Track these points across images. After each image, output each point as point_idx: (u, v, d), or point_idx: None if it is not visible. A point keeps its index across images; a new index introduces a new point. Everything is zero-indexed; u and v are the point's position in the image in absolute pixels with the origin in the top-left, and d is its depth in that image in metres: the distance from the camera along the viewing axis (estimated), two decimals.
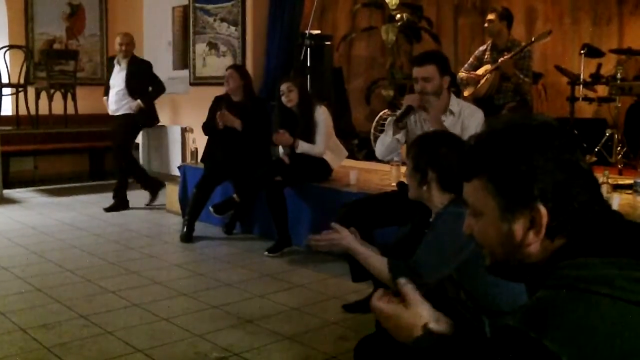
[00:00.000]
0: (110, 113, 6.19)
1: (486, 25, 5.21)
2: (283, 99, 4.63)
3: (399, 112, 3.54)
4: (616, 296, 0.90)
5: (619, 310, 0.89)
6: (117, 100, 6.08)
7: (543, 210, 1.00)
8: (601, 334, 0.87)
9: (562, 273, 0.96)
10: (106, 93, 6.25)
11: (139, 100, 6.04)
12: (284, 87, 4.63)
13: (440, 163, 2.12)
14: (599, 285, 0.91)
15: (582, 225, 1.00)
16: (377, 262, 2.19)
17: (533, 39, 5.20)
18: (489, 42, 5.29)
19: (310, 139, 4.59)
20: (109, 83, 6.21)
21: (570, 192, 1.01)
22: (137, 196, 6.80)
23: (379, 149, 3.60)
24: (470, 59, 5.34)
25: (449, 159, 2.10)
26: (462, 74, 5.18)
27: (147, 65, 6.24)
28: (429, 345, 1.16)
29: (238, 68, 5.34)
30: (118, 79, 6.09)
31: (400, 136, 3.44)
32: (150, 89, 6.19)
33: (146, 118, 6.25)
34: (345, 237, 2.22)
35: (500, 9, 5.32)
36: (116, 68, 6.14)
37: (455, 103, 3.37)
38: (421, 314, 1.20)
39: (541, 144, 1.02)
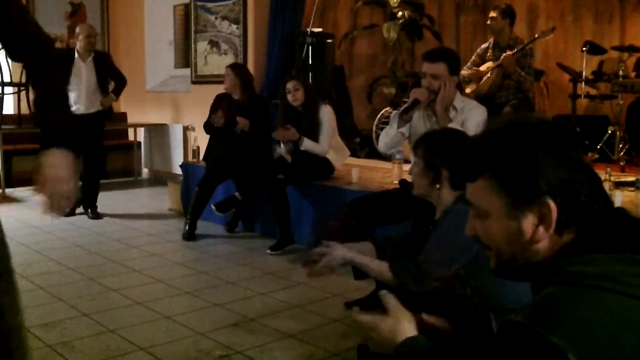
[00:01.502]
0: (80, 112, 5.56)
1: (488, 22, 5.21)
2: (289, 97, 4.62)
3: (405, 104, 3.53)
4: (622, 292, 0.90)
5: (625, 305, 0.89)
6: (87, 98, 5.62)
7: (552, 204, 1.00)
8: (607, 329, 0.87)
9: (568, 269, 0.97)
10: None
11: (112, 95, 5.78)
12: (289, 85, 4.62)
13: (454, 162, 2.11)
14: (604, 281, 0.91)
15: (589, 219, 1.01)
16: (376, 266, 2.18)
17: (536, 36, 5.20)
18: (491, 39, 5.29)
19: (314, 137, 4.59)
20: (65, 80, 5.36)
21: (576, 186, 1.01)
22: (139, 194, 6.82)
23: (383, 141, 3.59)
24: (473, 56, 5.34)
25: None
26: (464, 72, 5.17)
27: (109, 57, 6.03)
28: (421, 349, 1.20)
29: (235, 67, 5.32)
30: (86, 74, 5.62)
31: (405, 129, 3.44)
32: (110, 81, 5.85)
33: (110, 113, 5.99)
34: (337, 251, 2.20)
35: (503, 6, 5.31)
36: (79, 63, 5.59)
37: (459, 100, 3.39)
38: (400, 318, 1.25)
39: (544, 141, 1.02)
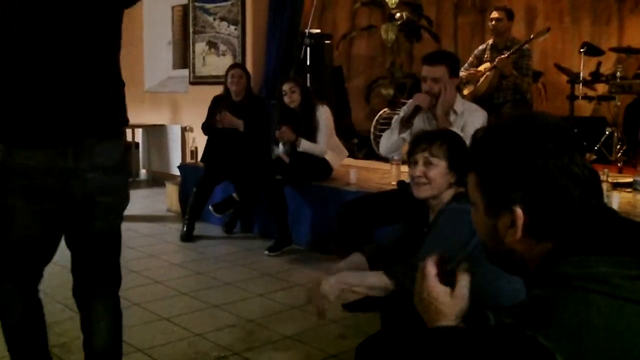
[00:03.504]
0: None
1: (494, 23, 5.11)
2: (285, 99, 4.63)
3: (405, 111, 3.51)
4: (611, 293, 0.90)
5: (614, 307, 0.89)
6: None
7: (519, 212, 1.01)
8: (596, 331, 0.87)
9: (557, 271, 0.97)
10: None
11: None
12: (286, 87, 4.63)
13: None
14: (594, 282, 0.91)
15: (568, 227, 1.00)
16: (373, 278, 2.07)
17: (531, 37, 5.19)
18: (489, 41, 5.29)
19: (312, 138, 4.59)
20: None
21: (552, 197, 1.00)
22: (137, 195, 6.81)
23: (384, 145, 3.59)
24: (470, 58, 5.34)
25: None
26: (461, 73, 5.16)
27: None
28: (446, 338, 1.16)
29: (243, 68, 5.35)
30: None
31: (406, 135, 3.43)
32: None
33: None
34: (325, 283, 2.01)
35: (507, 7, 5.28)
36: None
37: (460, 103, 3.37)
38: (460, 307, 1.21)
39: (528, 150, 1.01)
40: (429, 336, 1.20)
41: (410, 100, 3.71)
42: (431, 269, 1.25)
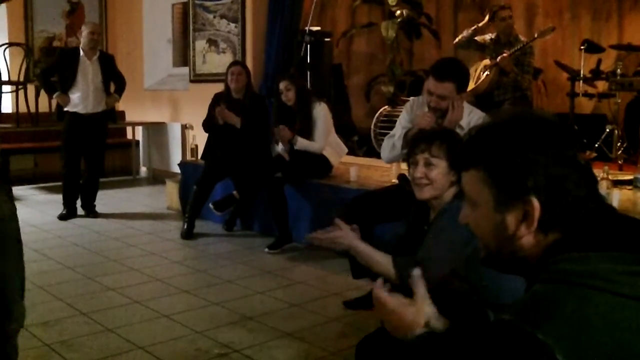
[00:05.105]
0: (86, 112, 5.53)
1: (508, 21, 5.17)
2: (282, 97, 4.63)
3: (407, 125, 3.43)
4: (610, 290, 0.90)
5: (613, 303, 0.89)
6: (94, 97, 5.55)
7: (536, 203, 1.01)
8: (595, 327, 0.87)
9: (556, 267, 0.97)
10: (63, 90, 5.49)
11: (116, 95, 5.73)
12: (281, 85, 4.63)
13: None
14: (593, 279, 0.92)
15: (575, 220, 1.01)
16: (381, 259, 2.11)
17: (535, 36, 5.19)
18: (491, 35, 5.28)
19: (308, 136, 4.59)
20: (69, 78, 5.48)
21: (565, 187, 1.01)
22: (138, 193, 6.82)
23: (386, 155, 3.54)
24: (477, 38, 5.30)
25: None
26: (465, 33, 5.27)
27: (113, 58, 5.95)
28: (430, 342, 1.17)
29: (244, 65, 5.34)
30: (92, 73, 5.54)
31: None
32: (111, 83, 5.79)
33: (114, 114, 5.99)
34: (347, 235, 2.15)
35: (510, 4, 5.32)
36: (84, 62, 5.52)
37: (466, 113, 3.26)
38: (425, 312, 1.22)
39: (538, 139, 1.02)
40: (430, 333, 1.21)
41: (412, 98, 3.70)
42: (380, 291, 1.29)
